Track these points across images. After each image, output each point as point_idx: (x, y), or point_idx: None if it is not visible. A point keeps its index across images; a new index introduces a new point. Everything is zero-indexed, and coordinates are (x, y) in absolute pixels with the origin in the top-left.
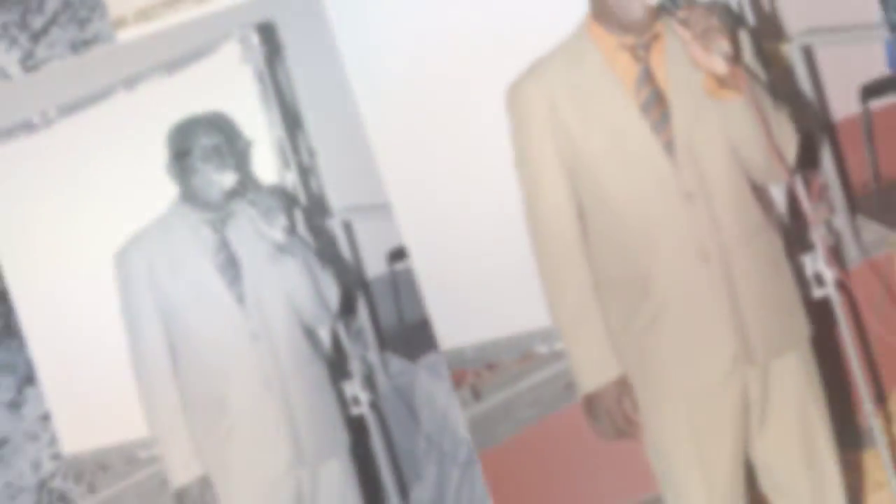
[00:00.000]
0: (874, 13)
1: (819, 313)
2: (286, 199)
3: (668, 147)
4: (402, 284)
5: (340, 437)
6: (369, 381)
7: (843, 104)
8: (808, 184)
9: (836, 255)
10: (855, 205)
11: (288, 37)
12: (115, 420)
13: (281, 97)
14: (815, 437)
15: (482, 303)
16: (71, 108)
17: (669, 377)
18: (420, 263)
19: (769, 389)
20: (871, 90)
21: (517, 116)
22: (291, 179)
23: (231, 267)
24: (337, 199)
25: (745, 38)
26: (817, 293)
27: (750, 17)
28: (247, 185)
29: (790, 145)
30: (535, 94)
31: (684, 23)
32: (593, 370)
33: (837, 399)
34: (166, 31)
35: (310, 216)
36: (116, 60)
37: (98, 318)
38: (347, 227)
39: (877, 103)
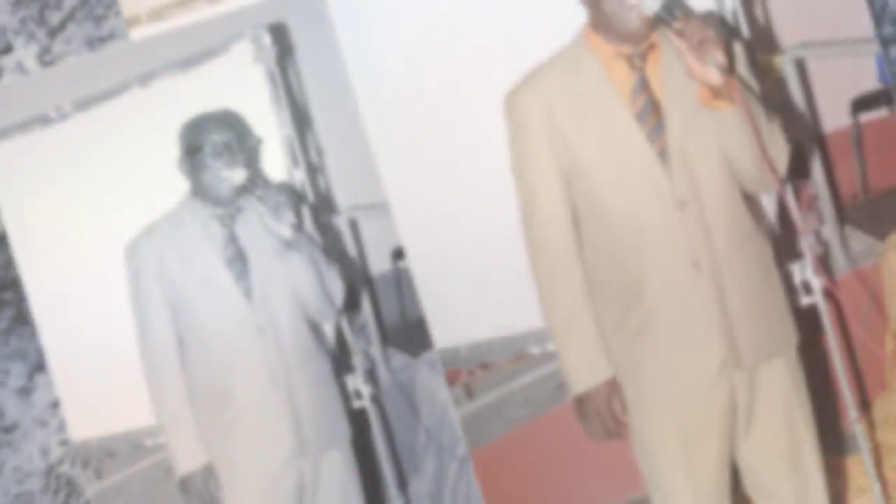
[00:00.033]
0: (866, 28)
1: (806, 321)
2: (294, 197)
3: (663, 155)
4: (405, 282)
5: (342, 430)
6: (371, 376)
7: (834, 116)
8: (798, 194)
9: (824, 264)
10: (843, 215)
11: (298, 38)
12: (122, 408)
13: (291, 97)
14: (800, 441)
15: (477, 303)
16: (86, 103)
17: (659, 380)
18: (417, 264)
19: (756, 394)
20: (862, 103)
21: (515, 123)
22: (300, 177)
23: (239, 261)
24: (343, 197)
25: (739, 50)
26: (805, 301)
27: (744, 30)
28: (256, 181)
29: (781, 155)
30: (533, 102)
31: (680, 34)
32: (584, 372)
33: (822, 405)
34: (180, 31)
35: (317, 213)
36: (131, 57)
37: (108, 309)
38: (353, 225)
39: (867, 116)
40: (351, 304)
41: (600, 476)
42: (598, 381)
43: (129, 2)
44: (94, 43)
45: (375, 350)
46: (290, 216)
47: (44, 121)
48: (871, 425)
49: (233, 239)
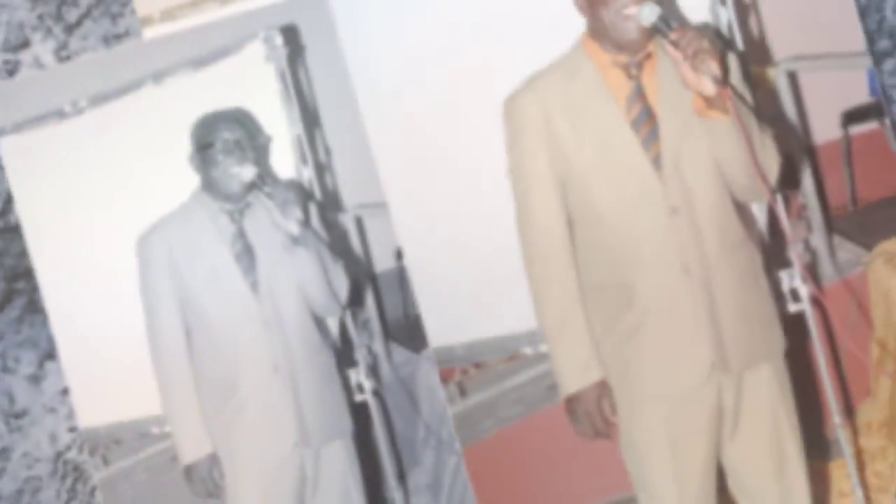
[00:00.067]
0: (857, 43)
1: (793, 327)
2: (302, 194)
3: (656, 162)
4: (408, 279)
5: (344, 422)
6: (374, 370)
7: (825, 128)
8: (788, 203)
9: (812, 272)
10: (832, 225)
11: (308, 40)
12: (130, 397)
13: (301, 97)
14: (785, 445)
15: (472, 304)
16: (101, 99)
17: (648, 382)
18: (415, 264)
19: (743, 398)
20: (852, 116)
21: (513, 127)
22: (308, 175)
23: (247, 256)
24: (350, 196)
25: (733, 62)
26: (793, 308)
27: (739, 42)
28: (265, 178)
29: (773, 165)
30: (531, 107)
31: (676, 44)
32: (575, 373)
33: (807, 410)
34: (193, 31)
35: (323, 211)
36: (145, 55)
37: (118, 300)
38: (359, 223)
39: (857, 129)
40: (355, 300)
41: (588, 475)
42: (589, 383)
43: (142, 2)
44: (110, 40)
45: (378, 345)
46: (297, 213)
47: (59, 115)
48: (854, 431)
49: (241, 234)
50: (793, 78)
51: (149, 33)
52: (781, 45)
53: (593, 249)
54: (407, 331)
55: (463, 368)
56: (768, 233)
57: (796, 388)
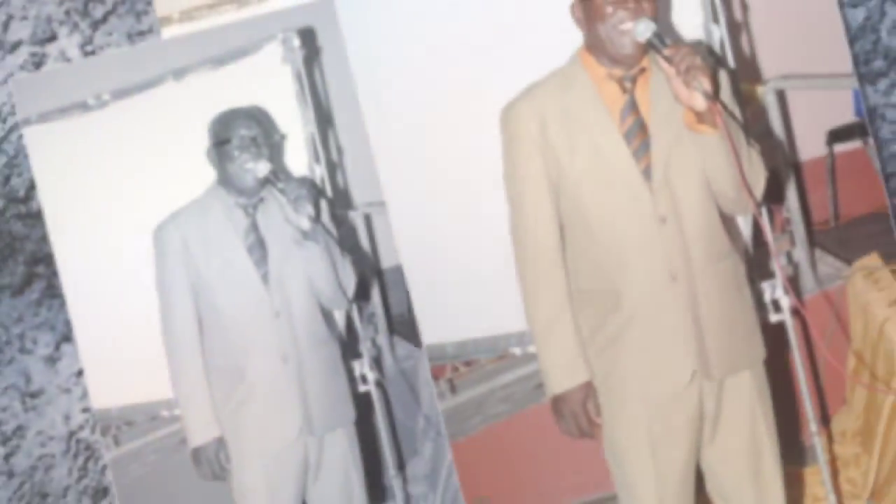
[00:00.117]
0: (844, 64)
1: (774, 337)
2: (314, 191)
3: (646, 173)
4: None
5: (347, 411)
6: (377, 362)
7: (810, 146)
8: (772, 216)
9: (794, 284)
10: (814, 239)
11: (324, 43)
12: (142, 380)
13: (315, 97)
14: (762, 450)
15: (465, 304)
16: (123, 93)
17: (632, 386)
18: (410, 263)
19: (723, 404)
20: (837, 135)
21: (509, 134)
22: (320, 173)
23: (259, 248)
24: (359, 194)
25: (724, 79)
26: (774, 318)
27: (730, 60)
28: (279, 174)
29: (759, 180)
30: (527, 115)
31: (670, 60)
32: (562, 374)
33: (785, 417)
34: (211, 31)
35: (334, 208)
36: (167, 53)
37: (134, 287)
38: (367, 220)
39: (841, 147)
40: (361, 295)
41: (571, 473)
42: (575, 384)
43: (161, 2)
44: (134, 37)
45: (382, 338)
46: (309, 209)
47: (83, 107)
48: (829, 438)
49: (254, 227)
50: (781, 96)
51: (167, 33)
52: (771, 63)
53: (583, 255)
54: (410, 325)
55: (454, 366)
56: (752, 244)
57: (775, 395)
